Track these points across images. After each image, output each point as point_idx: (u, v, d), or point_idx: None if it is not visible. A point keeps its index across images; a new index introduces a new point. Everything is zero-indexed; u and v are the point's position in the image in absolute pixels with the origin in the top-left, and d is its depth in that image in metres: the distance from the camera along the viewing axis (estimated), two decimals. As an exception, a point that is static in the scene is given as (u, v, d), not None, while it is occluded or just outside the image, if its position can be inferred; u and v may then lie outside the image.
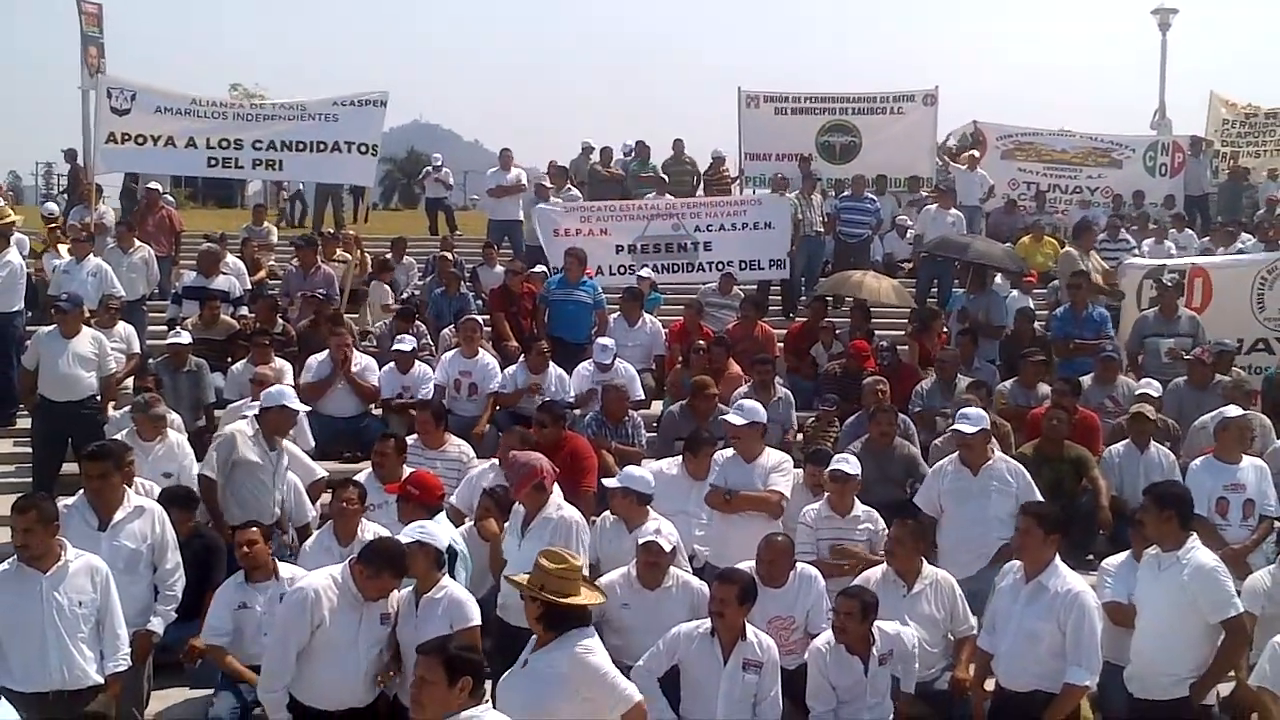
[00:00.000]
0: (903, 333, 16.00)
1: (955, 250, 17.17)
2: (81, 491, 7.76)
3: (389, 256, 17.66)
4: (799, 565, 8.20)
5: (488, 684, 5.91)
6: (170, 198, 20.99)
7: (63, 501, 7.55)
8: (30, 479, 11.46)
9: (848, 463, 9.22)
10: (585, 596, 6.35)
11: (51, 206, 19.20)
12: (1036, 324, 15.28)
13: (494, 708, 5.52)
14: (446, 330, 14.25)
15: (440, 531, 7.26)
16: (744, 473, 9.32)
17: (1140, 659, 7.47)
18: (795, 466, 9.85)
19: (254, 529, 8.13)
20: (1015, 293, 16.78)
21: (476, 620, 7.00)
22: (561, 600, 6.15)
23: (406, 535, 7.16)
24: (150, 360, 13.05)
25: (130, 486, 8.20)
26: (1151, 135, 27.20)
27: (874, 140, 22.20)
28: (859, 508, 9.14)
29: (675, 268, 16.77)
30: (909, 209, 21.65)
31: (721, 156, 23.61)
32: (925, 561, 8.33)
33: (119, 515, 7.56)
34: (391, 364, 12.82)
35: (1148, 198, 23.62)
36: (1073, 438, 10.94)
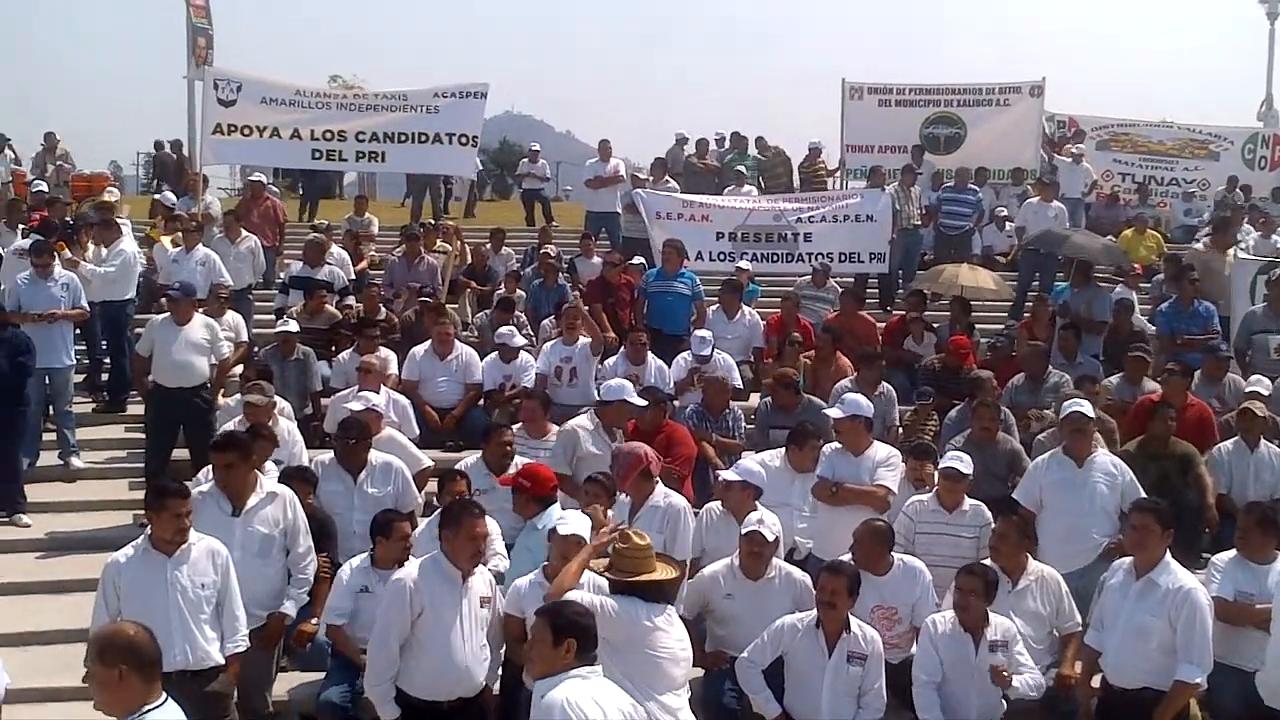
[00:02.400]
0: (1001, 326, 15.91)
1: (1053, 244, 17.00)
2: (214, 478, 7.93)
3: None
4: (904, 557, 8.22)
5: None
6: (275, 188, 21.27)
7: (198, 488, 7.75)
8: (142, 464, 11.75)
9: (961, 462, 9.13)
10: (659, 573, 6.49)
11: (170, 196, 19.49)
12: (1143, 318, 15.09)
13: None
14: (547, 321, 14.36)
15: (580, 522, 7.24)
16: (851, 466, 9.31)
17: (1275, 667, 7.26)
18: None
19: (407, 523, 8.21)
20: (1120, 286, 16.56)
21: None
22: (627, 579, 6.35)
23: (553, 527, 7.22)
24: (256, 349, 13.28)
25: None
26: (1253, 127, 26.67)
27: (979, 132, 21.89)
28: (967, 503, 9.06)
29: (775, 258, 16.72)
30: (1010, 201, 21.42)
31: (818, 147, 23.49)
32: (1030, 557, 8.30)
33: (252, 501, 7.69)
34: (494, 354, 12.98)
35: (1255, 191, 23.21)
36: (1184, 430, 10.80)
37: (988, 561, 8.08)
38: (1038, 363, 12.51)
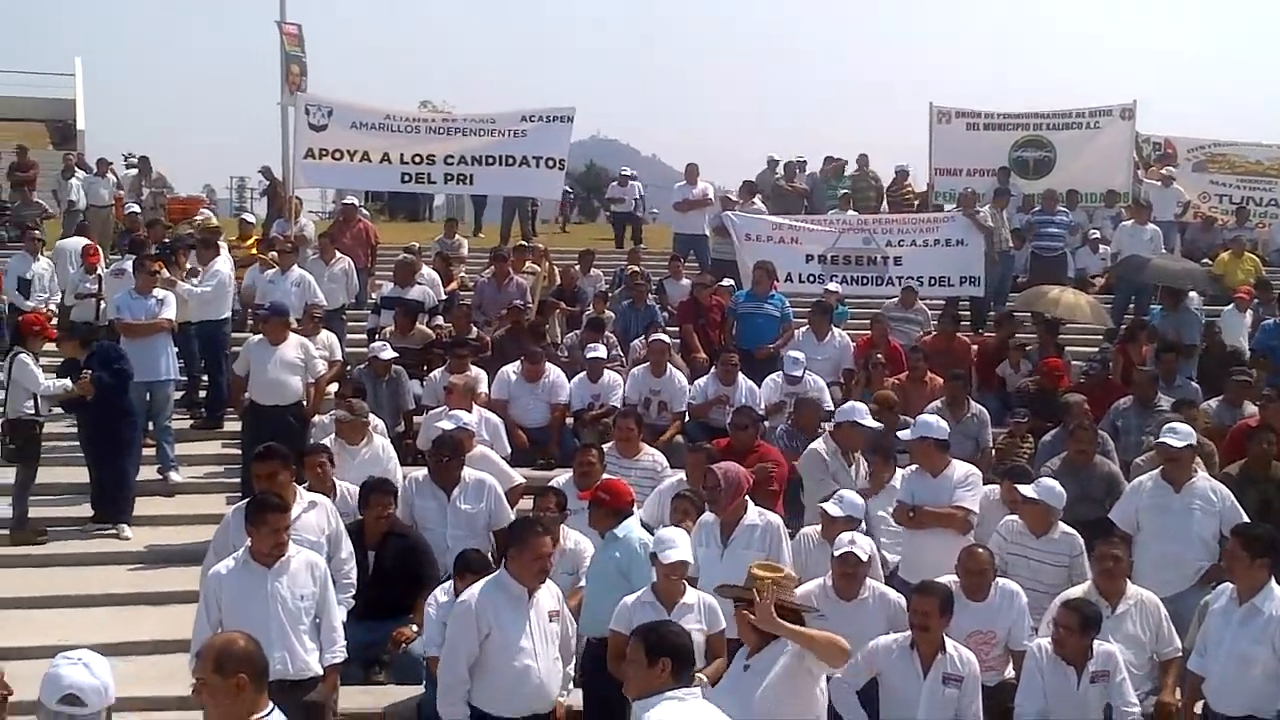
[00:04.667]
0: (1095, 349, 15.72)
1: (1135, 269, 16.82)
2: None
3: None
4: (1001, 580, 8.12)
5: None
6: (365, 211, 21.54)
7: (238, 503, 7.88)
8: (238, 479, 11.92)
9: (1037, 487, 8.98)
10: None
11: (249, 217, 19.81)
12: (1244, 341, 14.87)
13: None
14: (636, 342, 14.40)
15: (683, 544, 7.27)
16: (928, 487, 9.21)
17: None
18: (988, 483, 9.74)
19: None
20: (1230, 307, 16.36)
21: (724, 625, 7.14)
22: (793, 604, 6.31)
23: (650, 548, 7.27)
24: (350, 368, 13.43)
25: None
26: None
27: (1069, 155, 21.56)
28: (1058, 530, 8.89)
29: (864, 280, 16.68)
30: (1104, 223, 21.16)
31: (905, 170, 23.38)
32: (1129, 581, 8.18)
33: (295, 511, 7.74)
34: (582, 374, 13.04)
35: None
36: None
37: (1082, 590, 7.98)
38: (1149, 387, 12.29)
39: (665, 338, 13.62)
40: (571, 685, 7.47)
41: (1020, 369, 14.25)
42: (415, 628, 8.49)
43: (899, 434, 9.89)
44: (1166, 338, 14.55)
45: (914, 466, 9.45)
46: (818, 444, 10.30)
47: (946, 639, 7.29)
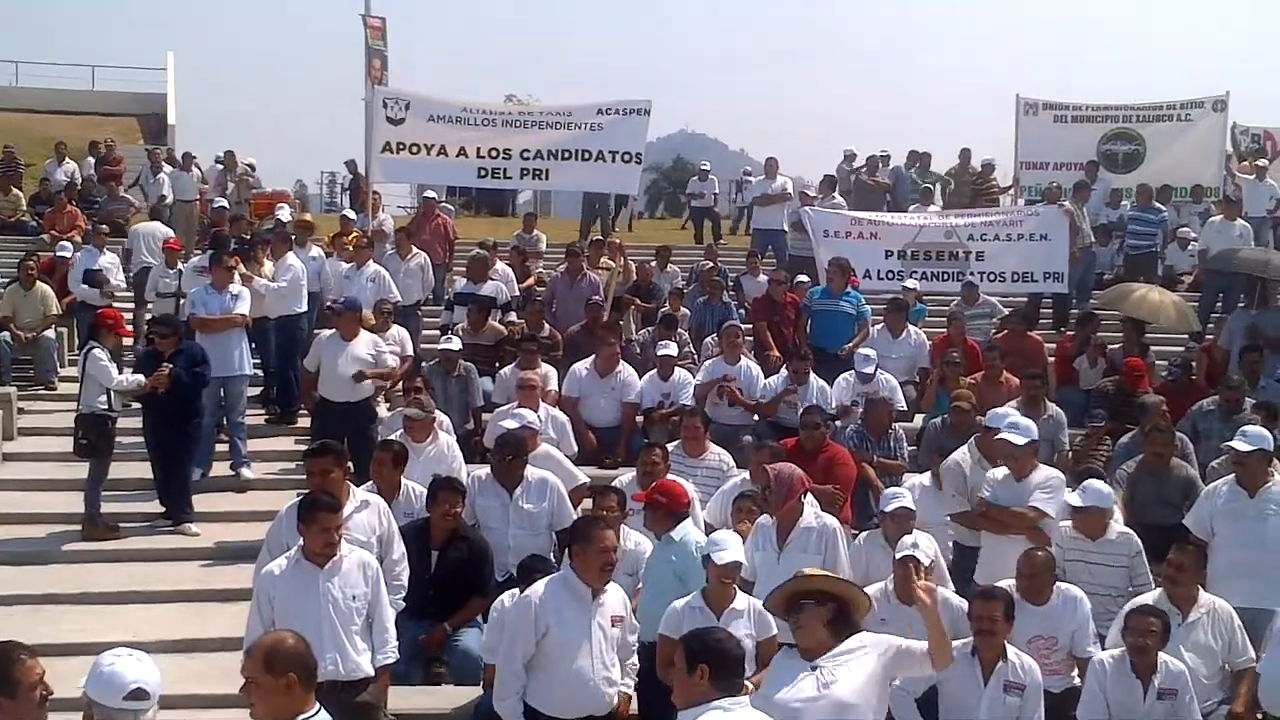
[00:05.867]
0: (1181, 348, 15.37)
1: (1225, 262, 16.39)
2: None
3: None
4: (1064, 585, 7.95)
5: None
6: (449, 206, 21.59)
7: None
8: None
9: (1083, 493, 8.71)
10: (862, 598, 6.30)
11: (350, 214, 19.94)
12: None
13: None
14: (709, 339, 14.30)
15: (735, 546, 7.22)
16: (1013, 491, 9.07)
17: None
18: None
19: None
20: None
21: (775, 631, 7.03)
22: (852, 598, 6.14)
23: (703, 549, 7.22)
24: (422, 364, 13.44)
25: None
26: None
27: (1160, 148, 21.01)
28: (1114, 531, 8.68)
29: (945, 276, 16.41)
30: (1191, 220, 20.71)
31: (991, 164, 23.03)
32: (1201, 589, 7.95)
33: (347, 510, 7.62)
34: (653, 371, 12.97)
35: None
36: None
37: (1153, 598, 7.78)
38: (1237, 398, 11.92)
39: (738, 323, 13.50)
40: (631, 689, 7.36)
41: (1097, 365, 13.96)
42: (448, 627, 8.60)
43: (1004, 437, 9.57)
44: (1266, 333, 14.18)
45: (1004, 470, 9.27)
46: (959, 454, 9.98)
47: (1008, 646, 7.16)
